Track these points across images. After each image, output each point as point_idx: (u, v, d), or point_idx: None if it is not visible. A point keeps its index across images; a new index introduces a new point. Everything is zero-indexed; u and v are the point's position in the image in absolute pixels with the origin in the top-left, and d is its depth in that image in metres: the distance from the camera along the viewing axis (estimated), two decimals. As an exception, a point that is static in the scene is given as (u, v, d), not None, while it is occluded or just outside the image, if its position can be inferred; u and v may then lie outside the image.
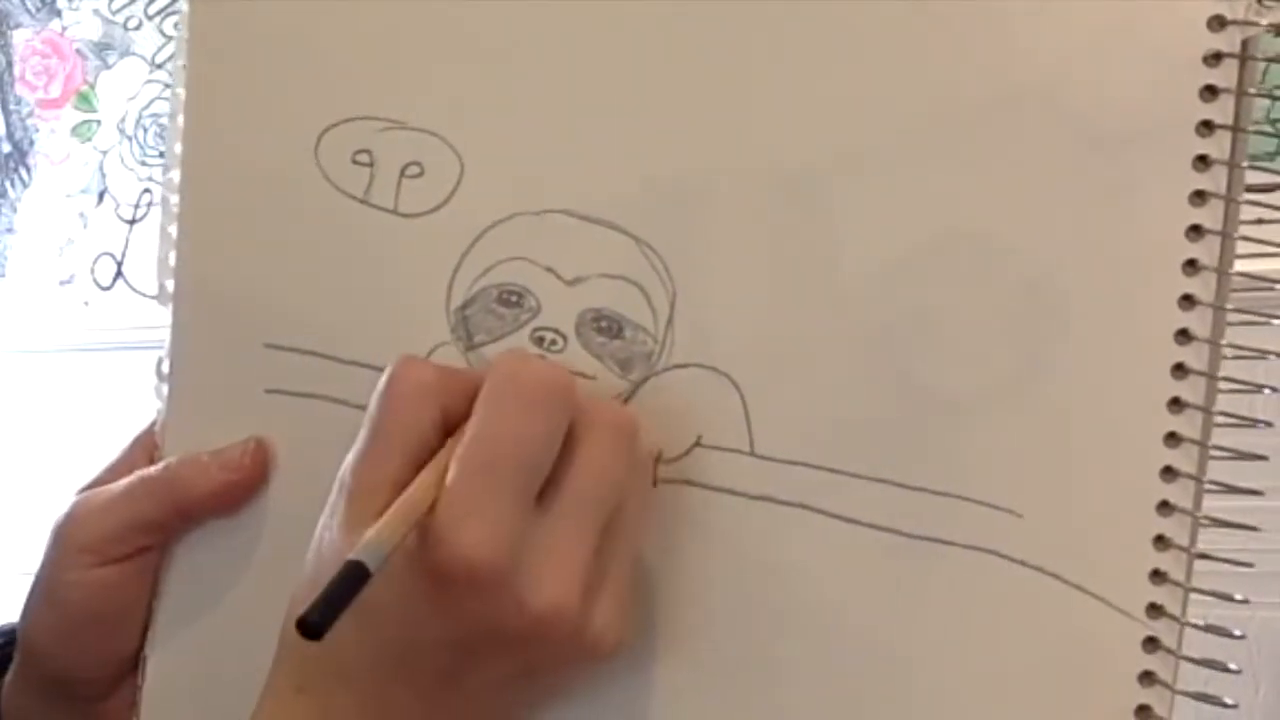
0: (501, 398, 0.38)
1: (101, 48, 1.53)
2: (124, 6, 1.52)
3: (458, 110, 0.44)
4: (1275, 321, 0.39)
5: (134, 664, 0.46)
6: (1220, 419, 0.39)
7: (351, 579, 0.34)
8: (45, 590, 0.44)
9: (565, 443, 0.38)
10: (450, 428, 0.39)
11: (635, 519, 0.40)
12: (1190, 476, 0.39)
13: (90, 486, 0.45)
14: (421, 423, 0.39)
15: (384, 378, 0.39)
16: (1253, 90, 0.39)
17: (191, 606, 0.45)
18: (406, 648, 0.37)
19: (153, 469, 0.45)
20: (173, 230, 0.47)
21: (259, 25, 0.46)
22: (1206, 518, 0.39)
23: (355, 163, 0.44)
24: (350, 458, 0.39)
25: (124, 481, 0.45)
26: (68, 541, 0.44)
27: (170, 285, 0.46)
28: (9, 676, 0.46)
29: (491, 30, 0.44)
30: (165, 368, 0.46)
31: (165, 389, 0.46)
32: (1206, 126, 0.39)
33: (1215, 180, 0.39)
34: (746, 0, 0.42)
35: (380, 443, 0.39)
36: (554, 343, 0.43)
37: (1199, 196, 0.39)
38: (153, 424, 0.47)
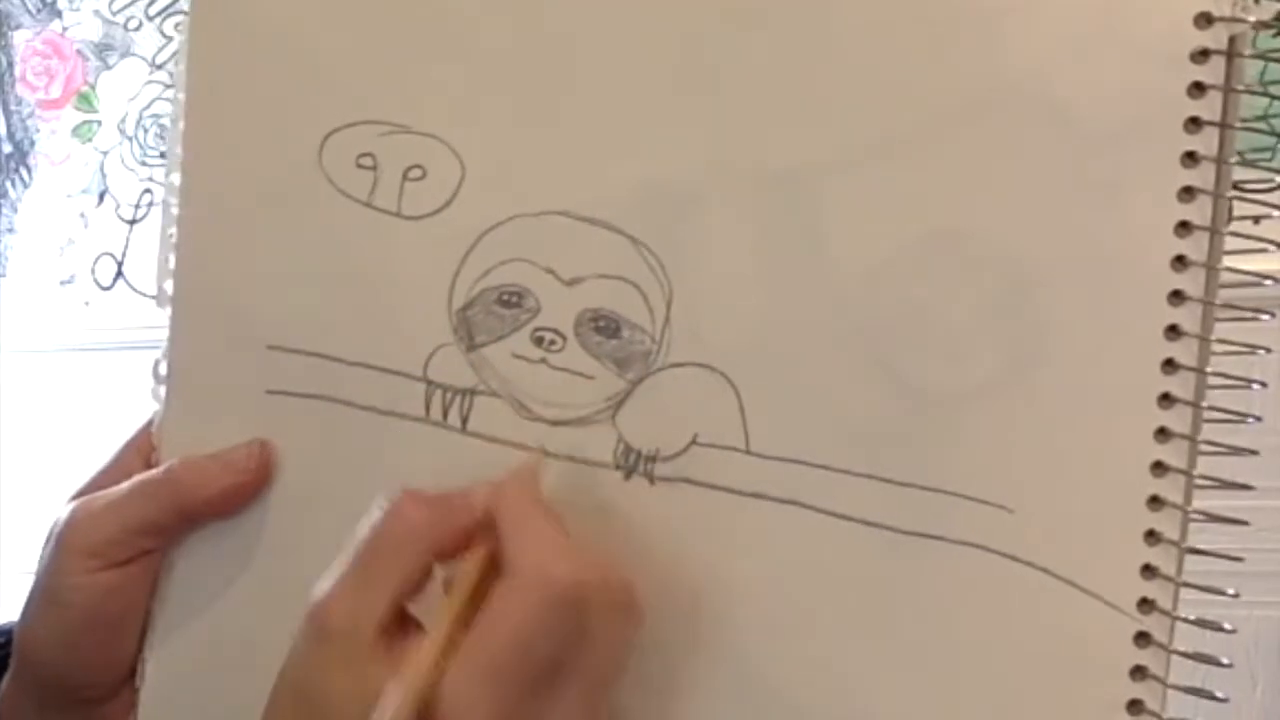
0: (519, 601, 0.37)
1: (102, 48, 1.53)
2: (124, 7, 1.52)
3: (458, 114, 0.44)
4: (1264, 317, 0.39)
5: (134, 668, 0.46)
6: (1211, 414, 0.40)
7: None
8: (46, 595, 0.44)
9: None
10: (442, 560, 0.38)
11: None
12: (1181, 471, 0.39)
13: (83, 492, 0.45)
14: (411, 568, 0.38)
15: (377, 511, 0.39)
16: (1240, 87, 0.39)
17: (191, 609, 0.45)
18: None
19: (154, 471, 0.45)
20: (172, 233, 0.47)
21: (260, 29, 0.46)
22: (1198, 513, 0.39)
23: (359, 166, 0.45)
24: (328, 587, 0.38)
25: (125, 485, 0.45)
26: (69, 546, 0.44)
27: (169, 287, 0.47)
28: (5, 679, 0.46)
29: (491, 35, 0.44)
30: (162, 369, 0.46)
31: (162, 391, 0.46)
32: (1194, 123, 0.39)
33: (1203, 176, 0.39)
34: (740, 4, 0.42)
35: (365, 583, 0.38)
36: (553, 343, 0.43)
37: (1187, 193, 0.39)
38: (145, 427, 0.47)
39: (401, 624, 0.37)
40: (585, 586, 0.37)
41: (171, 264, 0.47)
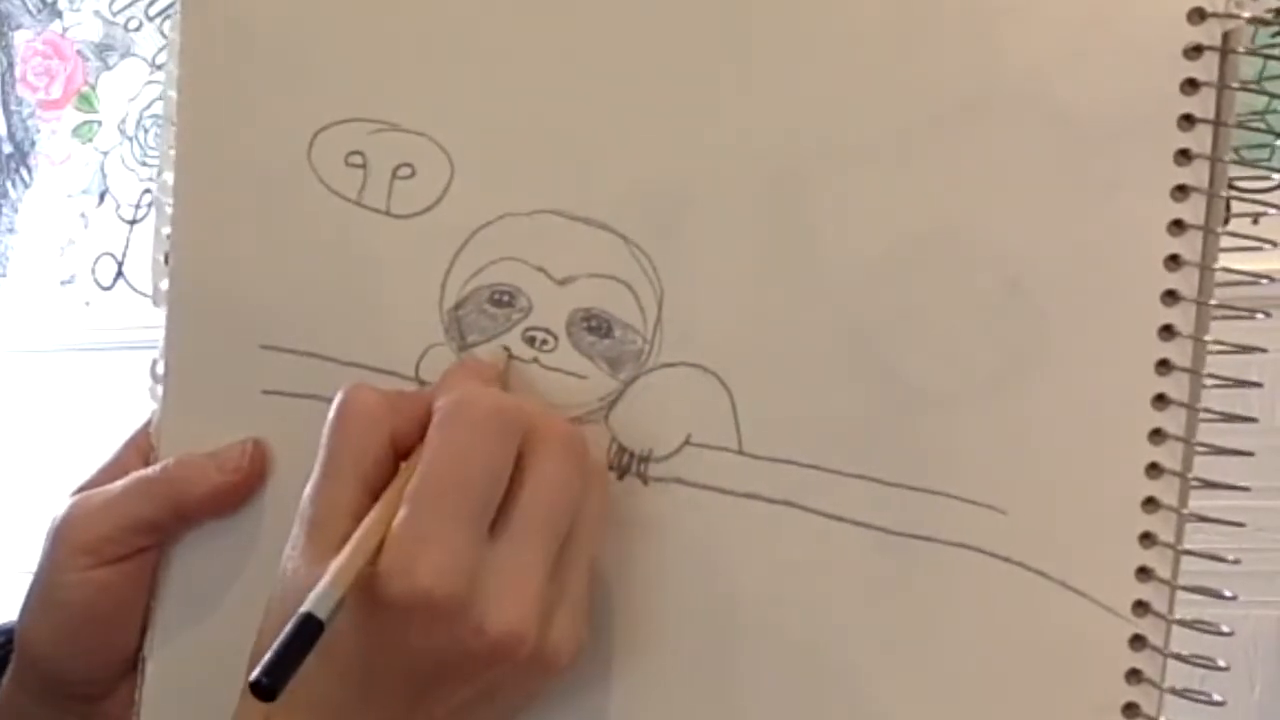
0: (449, 427, 0.38)
1: (102, 49, 1.53)
2: (125, 8, 1.52)
3: (447, 112, 0.44)
4: (1260, 317, 0.39)
5: (132, 665, 0.46)
6: (1206, 415, 0.39)
7: (303, 634, 0.34)
8: (43, 591, 0.44)
9: (517, 465, 0.38)
10: (401, 452, 0.40)
11: (591, 533, 0.40)
12: (1175, 473, 0.39)
13: (84, 488, 0.45)
14: (371, 450, 0.39)
15: (333, 407, 0.40)
16: (1234, 83, 0.39)
17: (189, 607, 0.45)
18: (370, 677, 0.38)
19: (151, 470, 0.45)
20: (167, 232, 0.47)
21: (250, 28, 0.46)
22: (1192, 515, 0.39)
23: (348, 164, 0.45)
24: (307, 489, 0.39)
25: (122, 482, 0.45)
26: (66, 543, 0.44)
27: (165, 286, 0.47)
28: (6, 677, 0.46)
29: (480, 33, 0.44)
30: (160, 369, 0.46)
31: (160, 390, 0.46)
32: (1188, 120, 0.39)
33: (1197, 175, 0.39)
34: (733, 4, 0.42)
35: (333, 473, 0.39)
36: (545, 342, 0.43)
37: (1181, 191, 0.39)
38: (146, 425, 0.47)
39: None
40: (515, 410, 0.39)
41: (167, 263, 0.47)
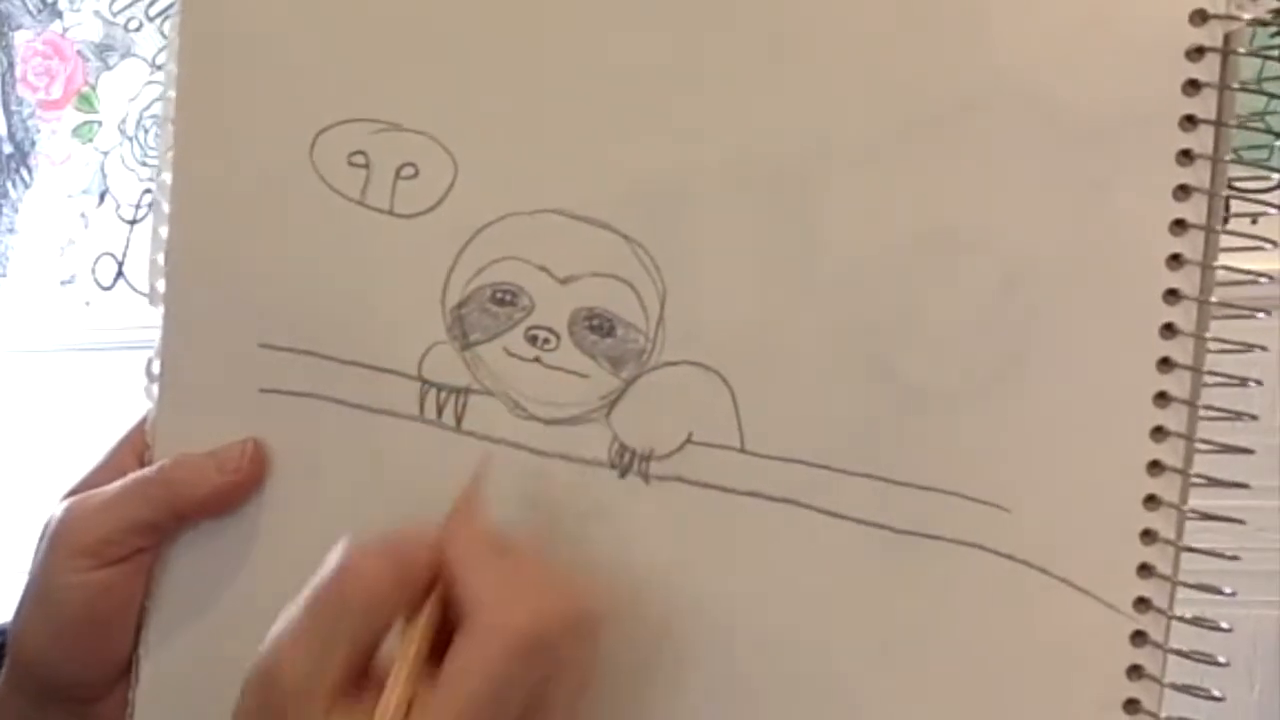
0: (489, 656, 0.35)
1: (102, 49, 1.53)
2: (125, 8, 1.52)
3: (450, 111, 0.44)
4: (1260, 315, 0.39)
5: (128, 666, 0.46)
6: (1207, 413, 0.40)
7: None
8: (39, 594, 0.44)
9: None
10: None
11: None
12: (1177, 470, 0.39)
13: (77, 489, 0.45)
14: (372, 629, 0.36)
15: (330, 569, 0.36)
16: (1235, 84, 0.39)
17: (185, 608, 0.45)
18: None
19: (148, 470, 0.45)
20: (164, 232, 0.47)
21: (251, 28, 0.46)
22: (1194, 512, 0.39)
23: (351, 164, 0.45)
24: (284, 639, 0.35)
25: (119, 483, 0.44)
26: (63, 545, 0.44)
27: (162, 286, 0.47)
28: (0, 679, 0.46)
29: (483, 32, 0.44)
30: (155, 368, 0.46)
31: (155, 389, 0.46)
32: (1189, 121, 0.39)
33: (1198, 175, 0.39)
34: (733, 2, 0.42)
35: (322, 643, 0.35)
36: (547, 341, 0.43)
37: (1183, 191, 0.39)
38: (140, 424, 0.47)
39: (358, 681, 0.36)
40: (549, 630, 0.36)
41: (164, 263, 0.47)
